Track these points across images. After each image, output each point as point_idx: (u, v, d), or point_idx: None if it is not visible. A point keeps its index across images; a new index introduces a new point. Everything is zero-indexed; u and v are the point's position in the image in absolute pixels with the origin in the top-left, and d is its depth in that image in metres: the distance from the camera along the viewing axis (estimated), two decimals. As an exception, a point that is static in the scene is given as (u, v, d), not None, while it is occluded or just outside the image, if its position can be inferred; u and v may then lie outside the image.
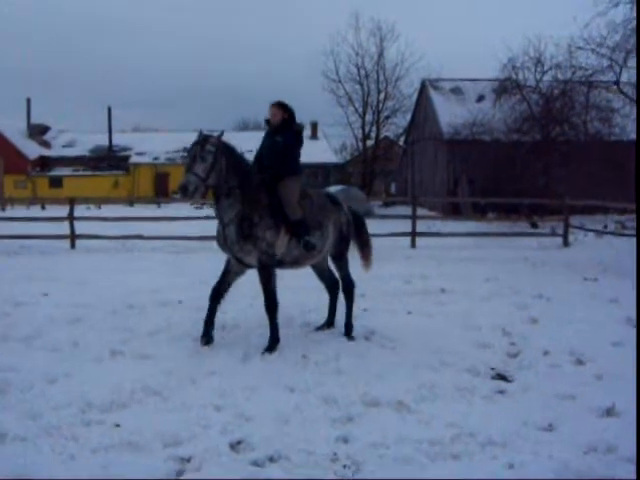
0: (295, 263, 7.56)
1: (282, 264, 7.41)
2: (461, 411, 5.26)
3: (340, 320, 8.00)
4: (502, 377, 6.21)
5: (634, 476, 4.21)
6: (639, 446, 4.56)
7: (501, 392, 5.80)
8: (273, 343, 7.08)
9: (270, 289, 7.22)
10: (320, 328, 8.07)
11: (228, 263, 7.50)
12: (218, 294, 7.43)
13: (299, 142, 7.67)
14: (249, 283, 8.07)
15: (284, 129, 7.50)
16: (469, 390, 5.77)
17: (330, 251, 7.95)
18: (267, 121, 7.68)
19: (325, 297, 8.27)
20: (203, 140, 6.86)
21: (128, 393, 5.52)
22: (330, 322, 8.15)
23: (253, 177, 7.20)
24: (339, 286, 8.25)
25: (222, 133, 7.01)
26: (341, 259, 8.07)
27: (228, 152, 7.03)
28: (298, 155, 7.69)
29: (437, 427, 4.91)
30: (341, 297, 8.17)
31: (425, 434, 4.76)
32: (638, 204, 16.00)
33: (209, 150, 6.78)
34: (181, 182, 6.70)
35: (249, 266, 7.33)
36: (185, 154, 7.04)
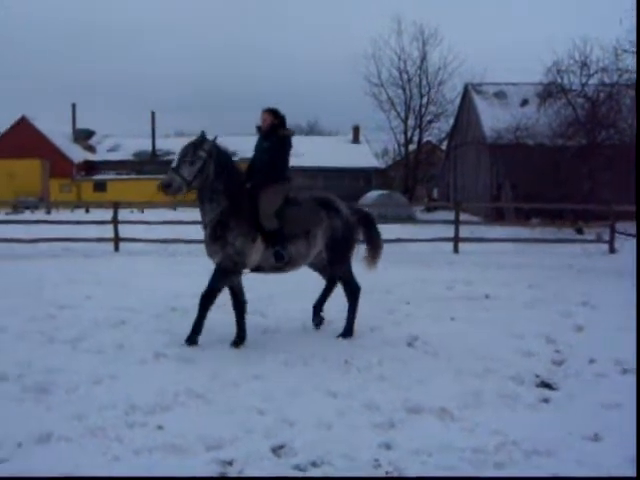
0: (277, 269, 7.65)
1: (261, 269, 7.59)
2: (505, 419, 5.19)
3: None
4: (547, 385, 6.13)
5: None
6: (639, 446, 4.54)
7: (546, 400, 5.72)
8: (193, 334, 7.24)
9: (214, 286, 7.30)
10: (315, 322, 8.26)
11: None
12: (238, 304, 7.65)
13: (285, 147, 7.74)
14: (289, 287, 8.13)
15: (271, 136, 7.65)
16: (513, 398, 5.70)
17: (324, 255, 7.93)
18: (258, 127, 7.84)
19: (366, 300, 8.24)
20: (197, 144, 7.10)
21: (171, 396, 5.56)
22: (318, 308, 8.30)
23: (240, 184, 7.39)
24: (359, 293, 8.24)
25: (216, 138, 7.24)
26: (337, 264, 8.05)
27: (219, 158, 7.22)
28: (286, 160, 7.79)
29: (481, 435, 4.86)
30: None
31: (468, 442, 4.71)
32: (638, 205, 15.83)
33: (200, 155, 7.03)
34: (164, 179, 6.98)
35: (245, 268, 7.46)
36: (177, 151, 7.36)
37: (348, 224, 8.00)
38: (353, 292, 8.14)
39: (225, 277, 7.34)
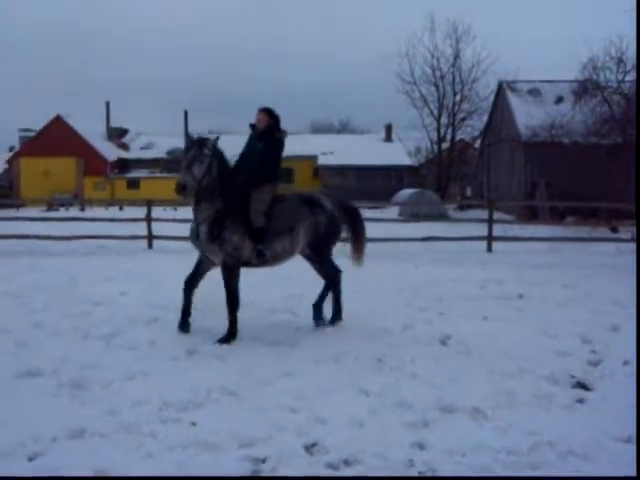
0: (264, 264, 7.83)
1: (248, 264, 7.73)
2: (539, 420, 5.13)
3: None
4: (582, 386, 6.05)
5: None
6: (639, 445, 4.53)
7: (581, 401, 5.65)
8: (229, 336, 7.40)
9: (232, 287, 7.56)
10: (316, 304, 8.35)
11: (200, 258, 7.89)
12: (191, 284, 7.85)
13: (279, 149, 7.93)
14: (320, 286, 8.11)
15: (267, 135, 7.81)
16: (548, 398, 5.63)
17: (307, 251, 8.14)
18: (252, 125, 7.98)
19: (398, 298, 8.21)
20: (201, 143, 7.26)
21: (204, 393, 5.58)
22: (318, 306, 8.34)
23: (234, 183, 7.56)
24: (340, 276, 8.48)
25: (218, 138, 7.43)
26: (317, 259, 8.26)
27: (220, 158, 7.43)
28: (279, 161, 7.97)
29: (515, 435, 4.81)
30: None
31: (502, 442, 4.66)
32: (638, 205, 15.60)
33: (206, 154, 7.20)
34: (180, 181, 7.11)
35: (214, 263, 7.70)
36: (183, 154, 7.45)
37: (333, 220, 8.15)
38: (335, 276, 8.39)
39: (234, 273, 7.59)
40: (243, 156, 7.97)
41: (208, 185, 7.28)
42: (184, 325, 7.81)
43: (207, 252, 7.55)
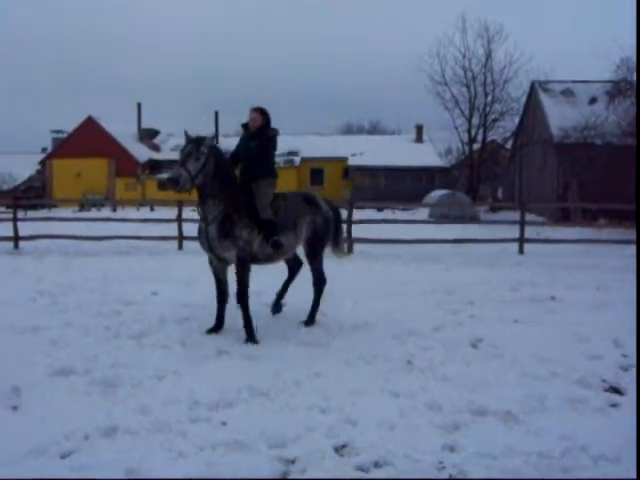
0: (269, 259, 8.10)
1: (256, 260, 7.92)
2: (572, 424, 5.08)
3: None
4: (615, 390, 5.97)
5: None
6: (639, 445, 4.47)
7: (614, 405, 5.58)
8: (250, 336, 7.54)
9: (244, 281, 7.72)
10: (274, 307, 8.79)
11: (211, 265, 8.07)
12: (222, 293, 8.07)
13: (273, 146, 8.19)
14: (348, 287, 8.12)
15: (260, 134, 8.02)
16: (580, 402, 5.57)
17: (305, 248, 8.46)
18: (244, 125, 8.23)
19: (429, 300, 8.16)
20: (198, 141, 7.39)
21: (234, 392, 5.60)
22: (278, 301, 8.81)
23: (234, 180, 7.81)
24: (300, 268, 8.94)
25: (214, 136, 7.29)
26: (315, 256, 8.52)
27: (217, 156, 7.56)
28: (273, 157, 8.26)
29: (547, 439, 4.76)
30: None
31: (534, 446, 4.62)
32: (638, 206, 15.37)
33: (202, 151, 7.32)
34: (172, 174, 7.26)
35: (226, 261, 7.86)
36: (180, 151, 7.65)
37: (327, 219, 8.53)
38: (321, 284, 8.64)
39: (246, 267, 7.74)
40: (236, 155, 8.23)
41: (207, 183, 7.42)
42: (215, 328, 7.98)
43: (219, 249, 7.64)
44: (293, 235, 8.13)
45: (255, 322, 7.72)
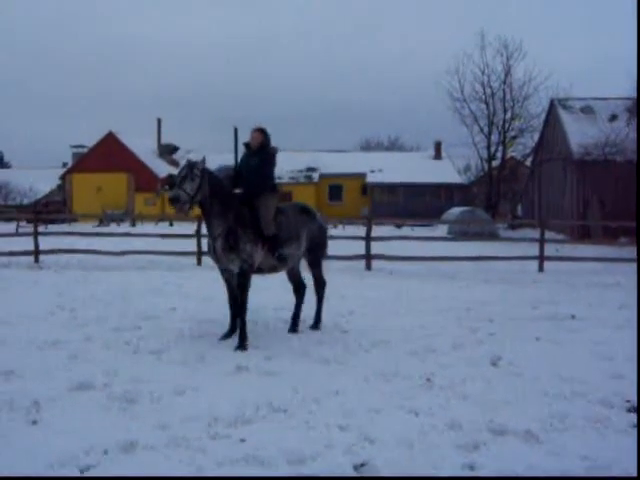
0: (273, 270, 8.73)
1: (261, 271, 8.56)
2: (593, 444, 5.01)
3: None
4: (638, 410, 5.90)
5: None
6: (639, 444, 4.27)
7: (637, 426, 5.50)
8: (242, 342, 7.98)
9: (244, 291, 8.25)
10: (291, 329, 8.97)
11: (223, 276, 8.65)
12: (234, 300, 8.51)
13: (272, 163, 8.77)
14: (369, 303, 8.08)
15: (260, 152, 8.59)
16: (602, 422, 5.49)
17: (306, 256, 9.12)
18: (246, 144, 8.80)
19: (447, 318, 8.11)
20: (191, 165, 8.04)
21: (253, 409, 5.58)
22: (294, 321, 9.06)
23: (234, 196, 8.40)
24: (304, 290, 9.34)
25: (204, 159, 8.23)
26: (316, 262, 9.23)
27: (211, 177, 8.14)
28: (272, 174, 8.77)
29: (568, 459, 4.70)
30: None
31: (556, 466, 4.56)
32: (638, 216, 15.20)
33: (196, 173, 7.93)
34: (172, 194, 7.91)
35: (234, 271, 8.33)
36: (175, 175, 8.33)
37: (322, 228, 9.32)
38: (322, 287, 9.32)
39: (248, 278, 8.27)
40: (239, 171, 8.74)
41: (206, 201, 8.04)
42: (228, 334, 8.43)
43: (225, 262, 8.20)
44: (296, 245, 8.72)
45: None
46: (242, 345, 7.90)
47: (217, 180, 8.30)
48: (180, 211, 7.95)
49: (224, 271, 8.50)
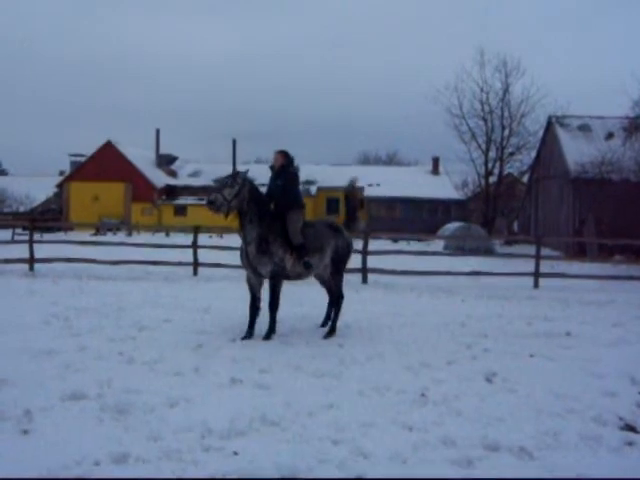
0: (298, 277, 9.61)
1: (288, 277, 9.42)
2: (587, 461, 5.00)
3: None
4: (631, 428, 5.88)
5: None
6: None
7: (630, 444, 5.47)
8: (270, 333, 9.13)
9: (276, 292, 9.23)
10: (322, 325, 10.02)
11: (249, 282, 9.44)
12: (255, 306, 9.33)
13: (295, 182, 9.65)
14: (363, 317, 8.06)
15: (283, 173, 9.46)
16: (595, 440, 5.48)
17: (329, 268, 9.86)
18: (271, 167, 9.71)
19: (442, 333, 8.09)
20: (235, 174, 9.10)
21: (247, 421, 5.55)
22: (326, 321, 10.05)
23: (268, 207, 9.26)
24: (342, 301, 10.09)
25: (247, 171, 9.19)
26: (337, 273, 10.02)
27: (251, 186, 9.06)
28: (297, 191, 9.66)
29: (561, 476, 4.69)
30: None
31: (548, 483, 4.56)
32: None
33: (237, 182, 8.91)
34: (210, 197, 8.84)
35: (262, 276, 9.27)
36: (218, 182, 9.14)
37: (348, 244, 10.10)
38: (340, 298, 10.01)
39: (279, 280, 9.25)
40: (269, 192, 9.53)
41: (243, 208, 8.93)
42: (248, 336, 9.11)
43: (258, 266, 9.05)
44: (319, 256, 9.52)
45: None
46: (269, 336, 9.04)
47: (256, 191, 9.13)
48: (217, 213, 8.82)
49: (250, 277, 9.33)
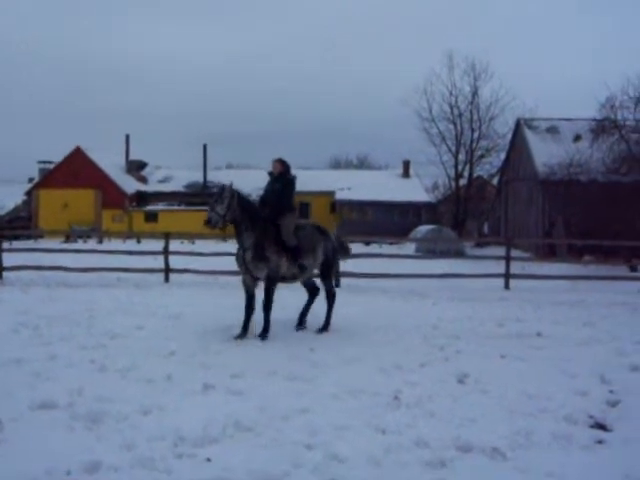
0: (293, 278, 10.26)
1: (284, 279, 10.07)
2: (559, 460, 5.04)
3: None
4: (601, 426, 5.95)
5: None
6: None
7: (600, 442, 5.54)
8: (264, 332, 9.62)
9: (270, 294, 9.79)
10: (298, 325, 10.53)
11: (244, 283, 10.03)
12: (250, 308, 9.88)
13: (292, 187, 10.33)
14: (336, 321, 8.03)
15: (281, 178, 10.18)
16: (567, 438, 5.53)
17: (319, 269, 10.58)
18: (270, 173, 10.36)
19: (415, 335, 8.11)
20: (221, 189, 9.67)
21: (220, 428, 5.53)
22: (301, 320, 10.59)
23: (261, 215, 9.83)
24: (318, 293, 10.90)
25: (232, 183, 9.78)
26: (327, 276, 10.72)
27: (239, 197, 9.71)
28: (293, 196, 10.34)
29: (534, 476, 4.73)
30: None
31: (521, 483, 4.59)
32: None
33: (225, 196, 9.53)
34: (207, 217, 9.49)
35: (258, 279, 9.87)
36: (210, 198, 9.43)
37: (334, 247, 10.75)
38: (332, 297, 10.70)
39: (274, 283, 9.84)
40: (265, 195, 10.19)
41: (237, 219, 9.59)
42: (242, 335, 9.63)
43: (253, 270, 9.69)
44: (312, 257, 10.23)
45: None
46: (264, 335, 9.55)
47: (245, 200, 9.87)
48: (214, 228, 9.52)
49: (246, 279, 9.94)
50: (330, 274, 10.76)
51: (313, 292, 10.88)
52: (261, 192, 10.50)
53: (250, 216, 9.67)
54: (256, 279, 9.89)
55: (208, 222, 9.44)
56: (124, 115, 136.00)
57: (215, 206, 9.46)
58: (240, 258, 9.77)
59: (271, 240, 9.65)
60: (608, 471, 4.86)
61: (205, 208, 10.24)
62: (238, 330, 9.44)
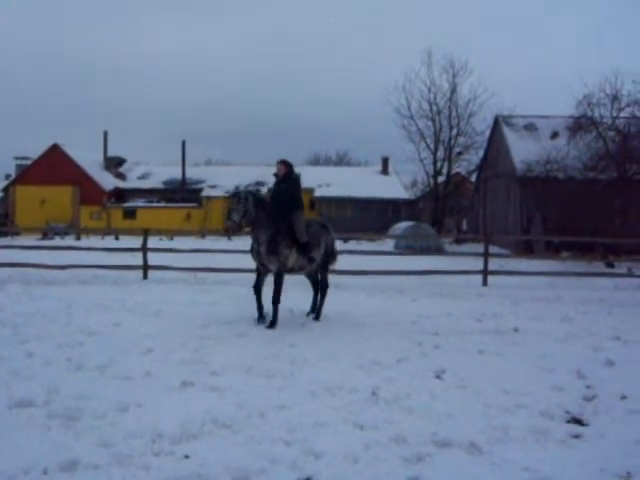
0: (301, 269, 11.04)
1: (293, 270, 10.83)
2: (536, 455, 5.09)
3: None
4: (577, 421, 6.00)
5: None
6: None
7: (576, 437, 5.59)
8: (273, 322, 10.21)
9: (279, 286, 10.47)
10: (309, 313, 11.40)
11: (257, 270, 10.85)
12: (258, 289, 10.74)
13: (298, 187, 11.07)
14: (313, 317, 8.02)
15: (287, 179, 10.87)
16: (543, 433, 5.58)
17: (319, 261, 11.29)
18: (275, 174, 11.01)
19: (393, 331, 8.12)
20: (236, 195, 10.43)
21: (198, 425, 5.52)
22: (313, 309, 11.44)
23: (274, 213, 10.45)
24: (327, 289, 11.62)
25: (248, 186, 10.00)
26: (325, 266, 11.54)
27: (254, 200, 10.41)
28: (299, 195, 10.93)
29: (511, 471, 4.77)
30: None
31: (498, 478, 4.62)
32: None
33: (240, 202, 10.24)
34: (225, 225, 10.48)
35: (270, 271, 10.60)
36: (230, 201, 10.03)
37: (333, 241, 11.70)
38: (325, 288, 11.50)
39: (282, 276, 10.55)
40: (273, 195, 10.84)
41: (253, 220, 10.31)
42: (260, 318, 10.50)
43: (266, 262, 10.42)
44: (318, 251, 11.04)
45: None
46: (272, 325, 10.13)
47: (262, 201, 10.52)
48: (232, 234, 10.59)
49: (259, 267, 10.70)
50: (327, 266, 11.58)
51: (317, 283, 11.60)
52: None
53: (265, 215, 10.35)
54: (268, 270, 10.60)
55: (228, 230, 10.49)
56: (102, 112, 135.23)
57: (232, 214, 10.20)
58: (254, 251, 10.50)
59: (284, 236, 10.35)
60: (584, 465, 4.90)
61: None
62: (218, 327, 9.39)
